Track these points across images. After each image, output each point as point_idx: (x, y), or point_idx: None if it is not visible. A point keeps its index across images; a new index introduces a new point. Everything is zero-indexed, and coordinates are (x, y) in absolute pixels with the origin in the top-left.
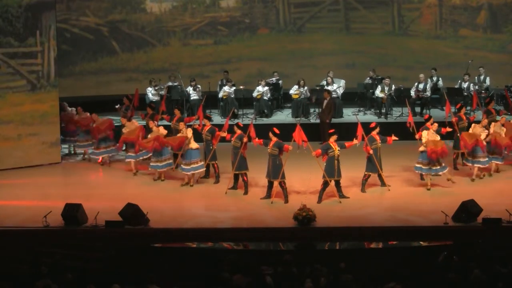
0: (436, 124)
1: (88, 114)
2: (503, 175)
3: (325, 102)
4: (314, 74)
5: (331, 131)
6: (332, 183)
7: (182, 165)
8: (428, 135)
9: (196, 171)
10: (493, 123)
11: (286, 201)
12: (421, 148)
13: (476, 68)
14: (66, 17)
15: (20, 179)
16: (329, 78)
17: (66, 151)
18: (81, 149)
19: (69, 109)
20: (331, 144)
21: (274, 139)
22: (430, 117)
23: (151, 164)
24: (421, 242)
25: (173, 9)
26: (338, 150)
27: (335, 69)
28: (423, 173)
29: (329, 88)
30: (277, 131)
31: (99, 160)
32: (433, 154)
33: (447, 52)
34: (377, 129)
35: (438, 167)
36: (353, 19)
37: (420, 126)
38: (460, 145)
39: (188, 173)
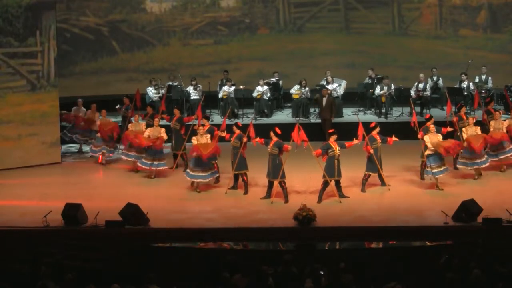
0: (433, 126)
1: (98, 113)
2: (503, 175)
3: (325, 100)
4: (314, 74)
5: (331, 130)
6: (332, 183)
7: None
8: (430, 138)
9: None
10: (492, 122)
11: (286, 201)
12: (428, 152)
13: (478, 67)
14: (66, 17)
15: (20, 179)
16: (329, 77)
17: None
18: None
19: (83, 109)
20: (331, 144)
21: (275, 138)
22: (431, 117)
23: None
24: (421, 242)
25: (173, 9)
26: (338, 150)
27: (335, 69)
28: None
29: (329, 87)
30: (279, 131)
31: (99, 160)
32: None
33: (447, 52)
34: (377, 129)
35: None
36: (353, 19)
37: (421, 125)
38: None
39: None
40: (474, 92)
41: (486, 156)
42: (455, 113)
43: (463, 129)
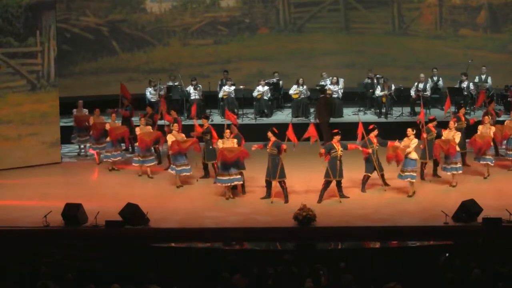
0: (434, 128)
1: (103, 118)
2: (503, 175)
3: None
4: (314, 74)
5: (335, 131)
6: (334, 183)
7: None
8: (404, 142)
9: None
10: (480, 126)
11: (286, 201)
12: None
13: (478, 67)
14: (66, 17)
15: (20, 179)
16: (334, 78)
17: (76, 151)
18: (93, 151)
19: (84, 110)
20: (334, 144)
21: (273, 138)
22: (434, 119)
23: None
24: (421, 242)
25: (173, 9)
26: (341, 150)
27: (335, 69)
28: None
29: (331, 87)
30: (276, 131)
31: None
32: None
33: (447, 52)
34: (375, 132)
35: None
36: (353, 19)
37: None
38: (435, 153)
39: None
40: (479, 91)
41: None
42: (453, 113)
43: (442, 132)
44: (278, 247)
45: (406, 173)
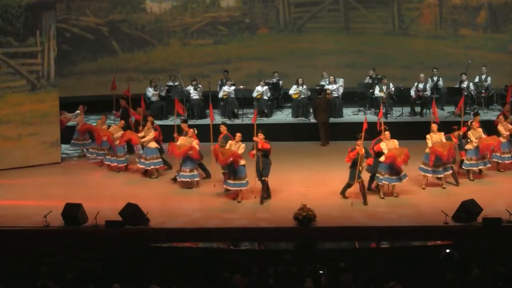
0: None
1: (107, 126)
2: (503, 176)
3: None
4: (314, 74)
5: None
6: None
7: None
8: (387, 145)
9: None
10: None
11: (262, 202)
12: (382, 158)
13: (478, 67)
14: (66, 17)
15: (20, 179)
16: (331, 77)
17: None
18: (93, 155)
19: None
20: (357, 147)
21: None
22: (458, 128)
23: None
24: (421, 242)
25: (173, 9)
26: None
27: (335, 69)
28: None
29: (329, 87)
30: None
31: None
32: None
33: (447, 52)
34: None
35: (441, 169)
36: (353, 18)
37: (423, 126)
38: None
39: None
40: (507, 90)
41: (449, 165)
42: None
43: (428, 136)
44: (278, 247)
45: (401, 175)
